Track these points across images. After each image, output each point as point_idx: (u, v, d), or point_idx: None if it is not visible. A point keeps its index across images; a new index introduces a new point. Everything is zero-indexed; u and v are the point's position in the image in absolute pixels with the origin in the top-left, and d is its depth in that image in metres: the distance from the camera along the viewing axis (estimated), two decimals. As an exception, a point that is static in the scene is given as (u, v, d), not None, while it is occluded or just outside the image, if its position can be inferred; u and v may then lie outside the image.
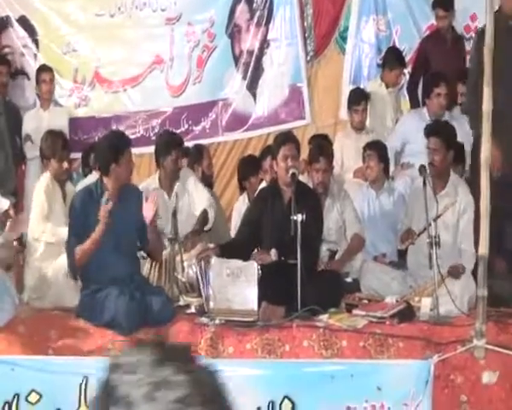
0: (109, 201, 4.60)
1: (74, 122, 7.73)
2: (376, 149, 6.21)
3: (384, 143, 6.42)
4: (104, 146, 4.93)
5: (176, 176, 5.87)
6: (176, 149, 5.83)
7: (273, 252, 4.94)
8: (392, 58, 7.21)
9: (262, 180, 6.50)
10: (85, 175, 6.76)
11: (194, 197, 5.90)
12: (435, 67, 6.90)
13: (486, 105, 4.27)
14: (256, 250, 5.22)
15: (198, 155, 6.79)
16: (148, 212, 4.92)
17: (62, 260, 4.99)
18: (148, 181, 6.06)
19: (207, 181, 6.74)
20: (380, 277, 5.39)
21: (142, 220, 4.88)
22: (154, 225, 4.96)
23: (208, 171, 6.89)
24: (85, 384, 3.96)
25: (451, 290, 4.79)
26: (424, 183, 5.07)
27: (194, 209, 5.89)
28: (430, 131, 5.44)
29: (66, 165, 5.36)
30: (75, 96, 7.96)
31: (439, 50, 6.98)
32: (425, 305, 4.77)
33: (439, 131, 5.42)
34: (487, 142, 4.28)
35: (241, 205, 6.75)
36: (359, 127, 6.93)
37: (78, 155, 7.07)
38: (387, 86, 7.17)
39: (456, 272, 5.06)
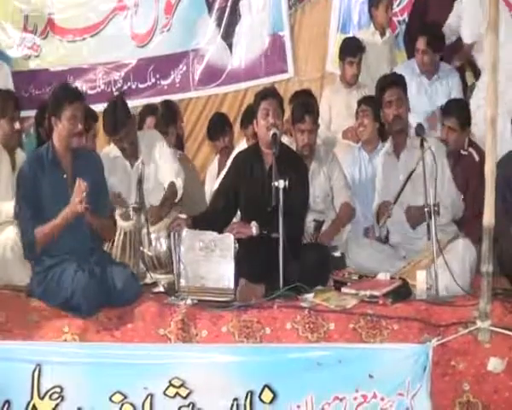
0: (84, 182, 4.51)
1: (24, 76, 7.64)
2: (372, 105, 6.18)
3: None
4: (49, 101, 4.83)
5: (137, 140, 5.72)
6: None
7: (253, 224, 4.92)
8: None
9: (226, 145, 6.49)
10: (39, 136, 6.64)
11: (160, 166, 5.79)
12: (435, 13, 6.86)
13: (492, 52, 4.22)
14: (233, 221, 5.19)
15: (172, 115, 6.64)
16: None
17: (8, 233, 4.97)
18: (109, 147, 5.95)
19: (180, 143, 6.66)
20: (369, 251, 5.37)
21: (102, 189, 4.84)
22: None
23: (181, 132, 6.82)
24: (39, 373, 3.91)
25: (450, 264, 4.77)
26: (422, 144, 5.05)
27: (162, 178, 5.79)
28: (384, 84, 5.53)
29: (17, 126, 5.31)
30: (25, 47, 7.87)
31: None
32: (420, 280, 4.76)
33: (394, 81, 5.53)
34: (493, 94, 4.22)
35: (213, 168, 6.71)
36: (352, 82, 6.90)
37: (29, 114, 6.96)
38: (382, 34, 7.13)
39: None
